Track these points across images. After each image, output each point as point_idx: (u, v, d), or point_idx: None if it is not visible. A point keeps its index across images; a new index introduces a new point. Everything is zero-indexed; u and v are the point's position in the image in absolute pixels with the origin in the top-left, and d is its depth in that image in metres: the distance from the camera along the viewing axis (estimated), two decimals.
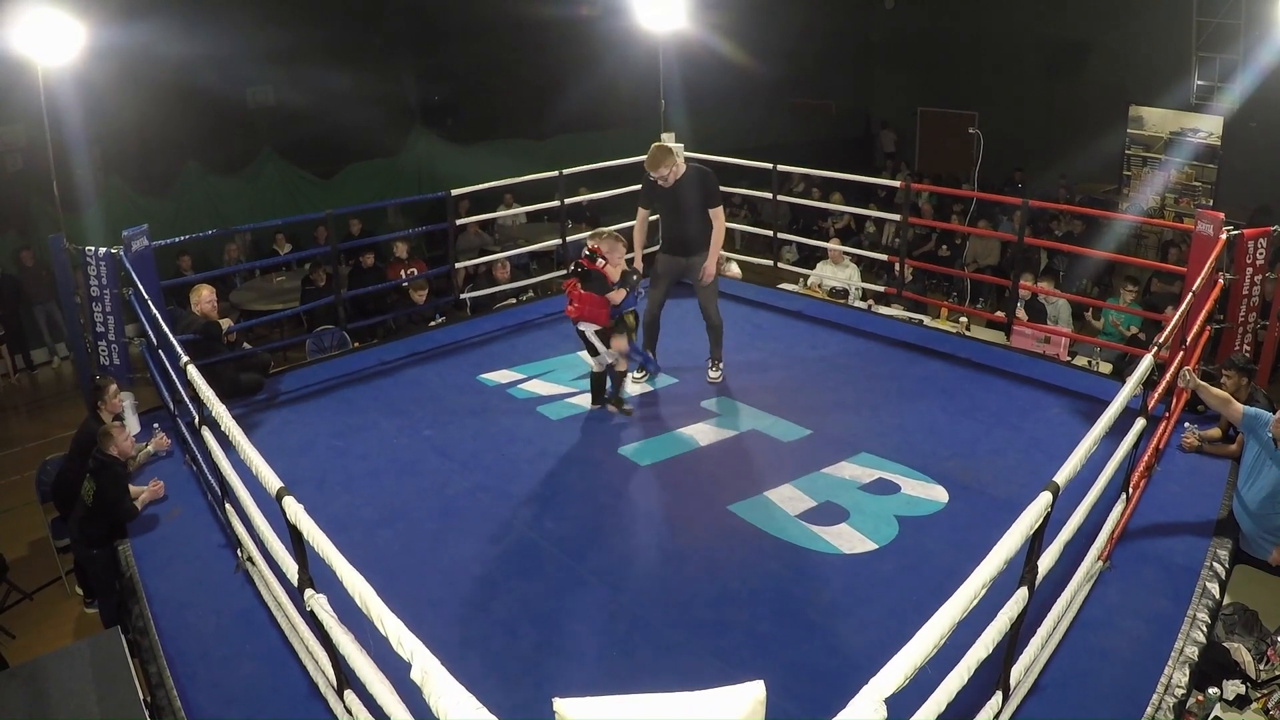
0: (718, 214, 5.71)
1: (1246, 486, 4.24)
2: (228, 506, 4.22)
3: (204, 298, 6.02)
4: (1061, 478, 2.80)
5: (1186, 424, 5.12)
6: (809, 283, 8.54)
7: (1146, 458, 4.50)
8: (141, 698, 3.48)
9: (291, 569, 2.91)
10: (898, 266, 7.35)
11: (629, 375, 5.80)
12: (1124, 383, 3.76)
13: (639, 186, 6.03)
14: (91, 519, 4.65)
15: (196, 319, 5.96)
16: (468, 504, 4.72)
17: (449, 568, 4.17)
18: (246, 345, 6.79)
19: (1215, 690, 3.49)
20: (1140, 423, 3.70)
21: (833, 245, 8.55)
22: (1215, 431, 5.02)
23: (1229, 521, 4.32)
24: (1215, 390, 4.50)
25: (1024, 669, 3.10)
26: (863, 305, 7.94)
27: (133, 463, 5.10)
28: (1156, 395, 4.13)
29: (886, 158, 15.50)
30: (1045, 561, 2.84)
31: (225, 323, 6.39)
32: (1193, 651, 3.49)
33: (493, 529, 4.47)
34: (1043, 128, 13.05)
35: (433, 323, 7.68)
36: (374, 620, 2.20)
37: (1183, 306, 4.70)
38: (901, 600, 3.80)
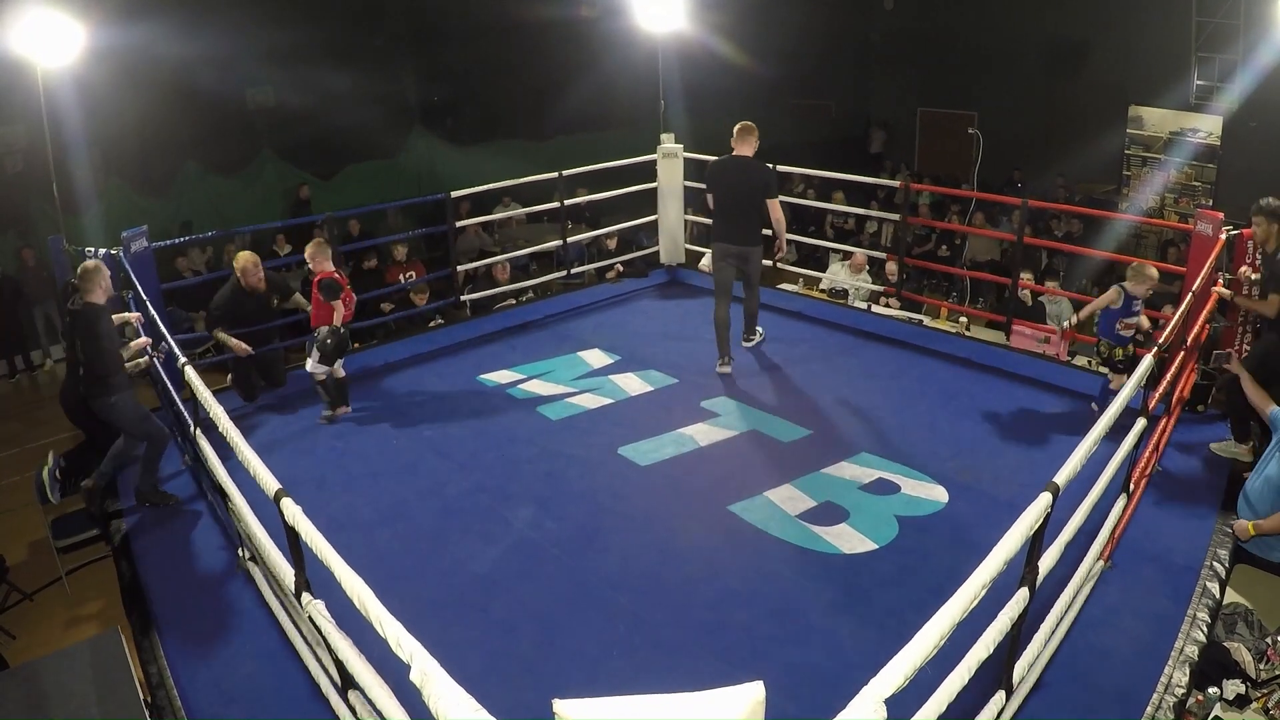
0: None
1: (1253, 479, 4.27)
2: (229, 506, 4.21)
3: (247, 267, 5.81)
4: (1061, 478, 2.80)
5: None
6: (821, 285, 8.53)
7: (1147, 457, 4.50)
8: (141, 698, 3.47)
9: (289, 573, 2.91)
10: (889, 266, 7.35)
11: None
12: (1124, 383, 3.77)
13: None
14: (91, 370, 4.64)
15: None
16: (468, 504, 4.72)
17: (449, 568, 4.17)
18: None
19: (1215, 690, 3.49)
20: (1140, 423, 3.70)
21: (861, 251, 8.56)
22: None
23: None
24: (1257, 385, 4.57)
25: (1025, 668, 3.10)
26: (862, 305, 7.94)
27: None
28: (1157, 395, 4.13)
29: (872, 158, 15.41)
30: (1046, 562, 2.84)
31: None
32: (1193, 651, 3.49)
33: (493, 529, 4.46)
34: (1042, 128, 13.04)
35: (432, 323, 7.67)
36: (373, 622, 2.20)
37: (1183, 306, 4.71)
38: (901, 600, 3.79)
